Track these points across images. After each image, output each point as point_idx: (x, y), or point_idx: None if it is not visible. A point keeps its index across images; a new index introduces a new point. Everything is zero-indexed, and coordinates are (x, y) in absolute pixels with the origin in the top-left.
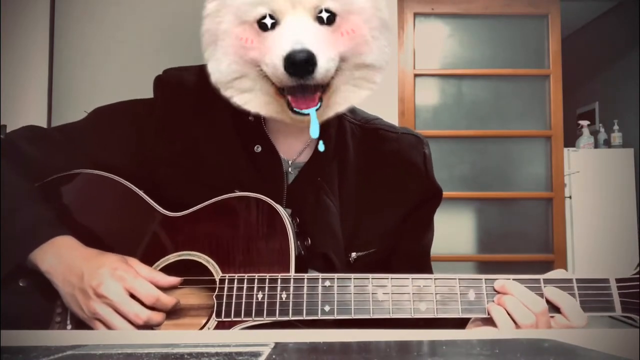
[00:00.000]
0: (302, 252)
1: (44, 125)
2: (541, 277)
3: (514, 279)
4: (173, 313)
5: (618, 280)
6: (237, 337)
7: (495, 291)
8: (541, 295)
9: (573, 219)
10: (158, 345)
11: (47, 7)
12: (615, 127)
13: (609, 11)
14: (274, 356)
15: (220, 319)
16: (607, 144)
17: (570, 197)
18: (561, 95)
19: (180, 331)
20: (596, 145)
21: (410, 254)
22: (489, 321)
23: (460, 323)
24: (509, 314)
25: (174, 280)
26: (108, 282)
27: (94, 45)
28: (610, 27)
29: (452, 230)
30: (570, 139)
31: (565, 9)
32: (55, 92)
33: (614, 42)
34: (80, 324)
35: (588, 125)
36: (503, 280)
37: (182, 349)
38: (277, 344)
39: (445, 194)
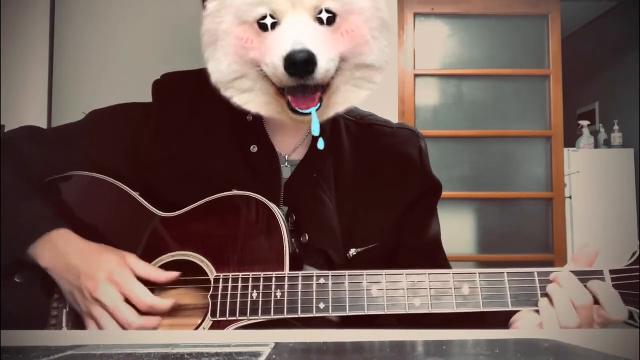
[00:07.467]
0: (297, 249)
1: (44, 125)
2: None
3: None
4: (168, 313)
5: (612, 272)
6: (237, 337)
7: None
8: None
9: (573, 219)
10: (158, 345)
11: (47, 8)
12: (615, 127)
13: (609, 11)
14: (274, 356)
15: (215, 319)
16: (607, 144)
17: (570, 197)
18: (561, 95)
19: (180, 331)
20: (596, 145)
21: (416, 248)
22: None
23: (504, 321)
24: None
25: (171, 275)
26: (103, 286)
27: (94, 45)
28: (610, 27)
29: (452, 230)
30: (570, 139)
31: (565, 9)
32: (55, 92)
33: (614, 42)
34: (77, 323)
35: (588, 125)
36: (558, 272)
37: (182, 349)
38: (277, 344)
39: (445, 194)
